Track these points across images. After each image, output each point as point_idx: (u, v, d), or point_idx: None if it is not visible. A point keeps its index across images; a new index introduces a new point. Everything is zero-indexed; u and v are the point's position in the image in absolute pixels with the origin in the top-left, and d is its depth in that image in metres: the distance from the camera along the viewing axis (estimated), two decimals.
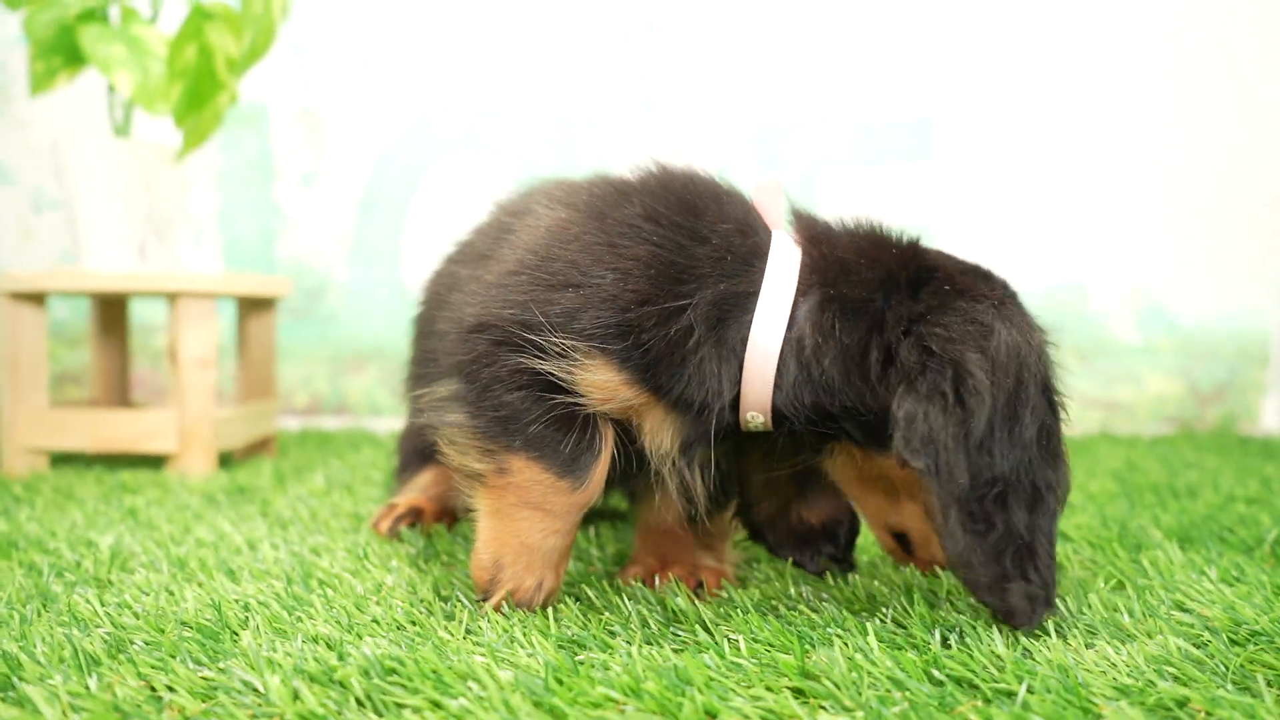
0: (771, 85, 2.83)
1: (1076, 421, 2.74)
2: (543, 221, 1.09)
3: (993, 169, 2.80)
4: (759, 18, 2.82)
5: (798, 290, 1.01)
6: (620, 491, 1.32)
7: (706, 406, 1.01)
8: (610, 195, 1.09)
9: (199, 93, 2.01)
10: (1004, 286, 1.07)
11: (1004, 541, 0.93)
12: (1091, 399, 2.79)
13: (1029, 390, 0.97)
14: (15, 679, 0.82)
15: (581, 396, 1.00)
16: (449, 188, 2.87)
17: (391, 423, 2.81)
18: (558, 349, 0.99)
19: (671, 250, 1.02)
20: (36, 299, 2.01)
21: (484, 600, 1.04)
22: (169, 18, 2.22)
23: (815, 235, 1.07)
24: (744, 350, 1.00)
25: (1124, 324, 2.79)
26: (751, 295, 1.01)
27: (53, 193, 2.88)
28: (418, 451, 1.57)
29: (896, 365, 0.98)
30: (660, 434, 1.04)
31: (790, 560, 1.21)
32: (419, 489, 1.52)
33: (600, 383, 1.00)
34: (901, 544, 1.14)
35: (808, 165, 2.82)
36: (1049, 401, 0.99)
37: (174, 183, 2.13)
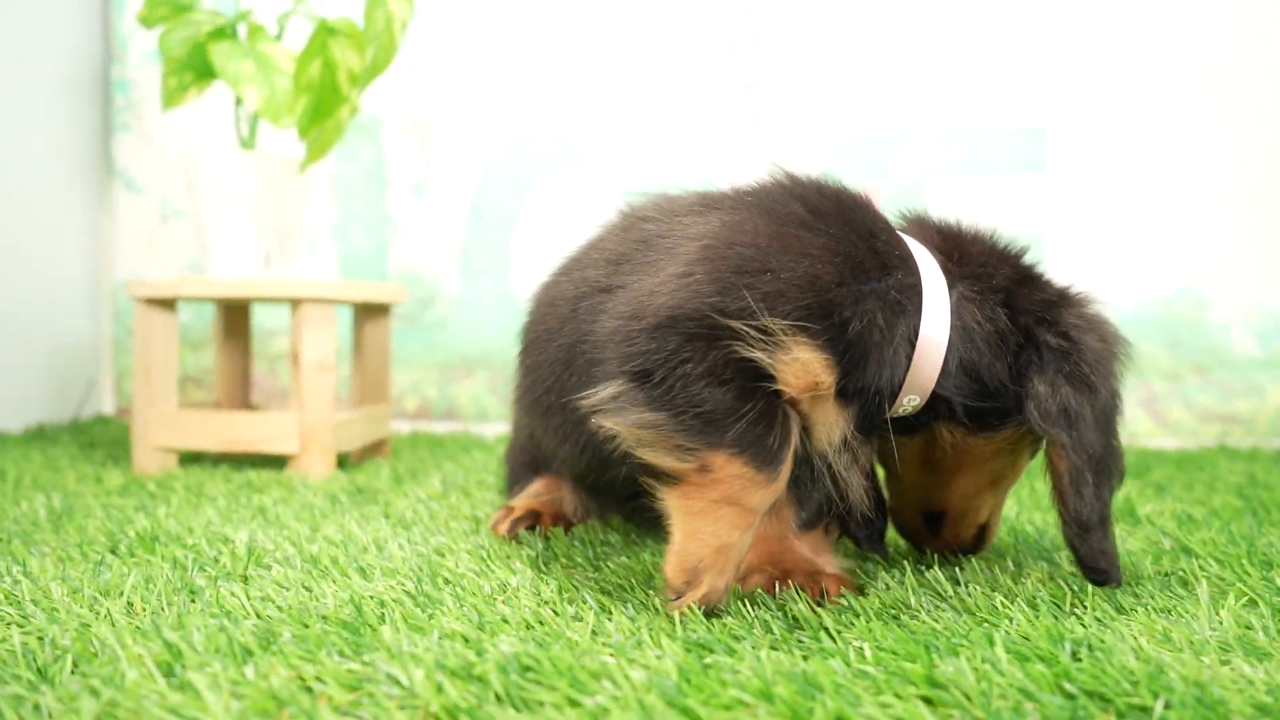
0: (880, 96, 2.82)
1: (1193, 434, 2.68)
2: (710, 221, 1.11)
3: (1108, 178, 2.75)
4: (866, 27, 2.82)
5: (948, 284, 1.11)
6: None
7: (880, 392, 1.07)
8: (769, 196, 1.14)
9: (322, 106, 2.08)
10: None
11: (1103, 509, 1.11)
12: (1210, 412, 2.72)
13: (1120, 384, 1.16)
14: (177, 666, 0.87)
15: (780, 384, 1.01)
16: (554, 201, 2.92)
17: (499, 428, 2.87)
18: (762, 333, 0.99)
19: (847, 243, 1.07)
20: (168, 305, 2.10)
21: (675, 599, 1.02)
22: (293, 34, 2.31)
23: (939, 234, 1.19)
24: (916, 338, 1.08)
25: (1244, 336, 2.71)
26: (915, 288, 1.09)
27: (177, 203, 3.00)
28: (526, 465, 1.60)
29: (1034, 346, 1.11)
30: (833, 425, 1.07)
31: (859, 540, 1.31)
32: (532, 495, 1.55)
33: (803, 366, 1.01)
34: (931, 525, 1.29)
35: (917, 176, 2.80)
36: (1118, 392, 1.16)
37: (295, 193, 2.20)
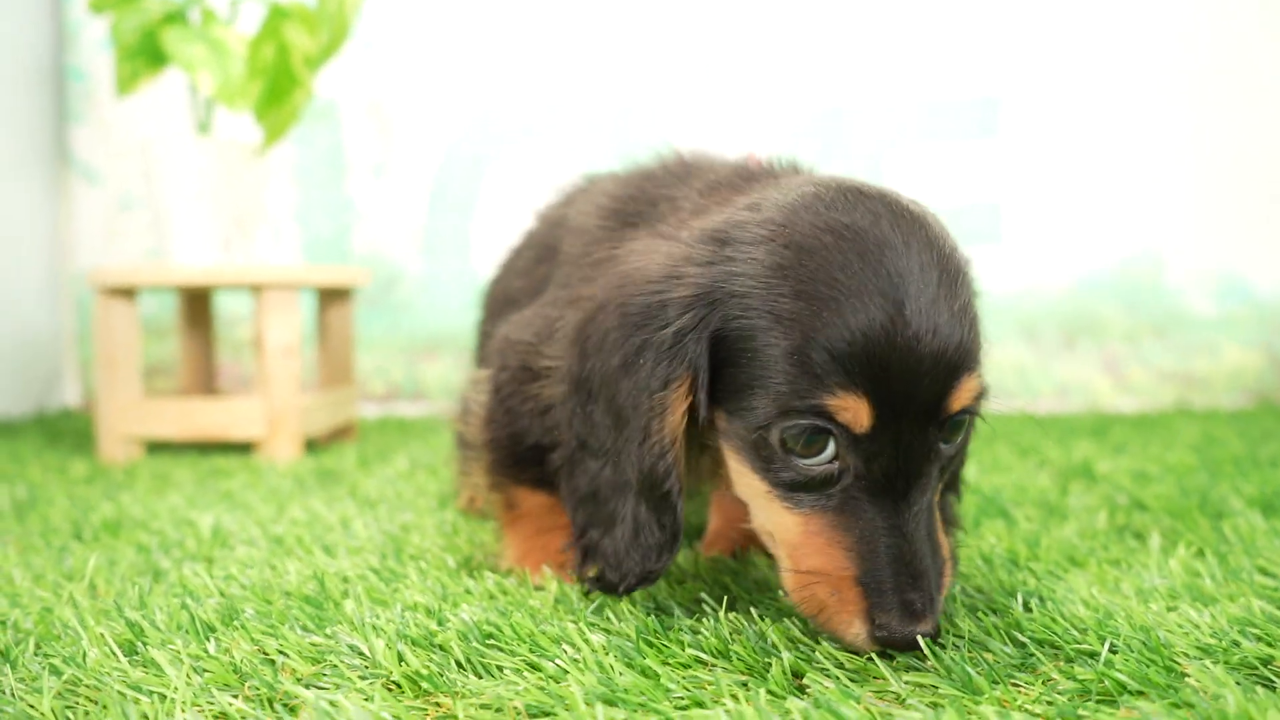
0: (835, 66, 2.83)
1: (1152, 395, 2.72)
2: (567, 250, 1.16)
3: (1061, 144, 2.77)
4: (821, 1, 2.83)
5: None
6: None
7: None
8: (598, 201, 1.15)
9: (277, 90, 2.07)
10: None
11: (585, 501, 0.95)
12: (1168, 373, 2.76)
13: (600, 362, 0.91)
14: (139, 644, 0.87)
15: None
16: (514, 178, 2.91)
17: None
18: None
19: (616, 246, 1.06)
20: (128, 293, 2.08)
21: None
22: (246, 18, 2.29)
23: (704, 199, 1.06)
24: None
25: (1200, 297, 2.75)
26: None
27: (138, 192, 2.98)
28: None
29: None
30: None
31: None
32: None
33: None
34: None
35: (874, 146, 2.81)
36: (635, 378, 0.88)
37: (254, 178, 2.19)
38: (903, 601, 0.79)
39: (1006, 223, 2.78)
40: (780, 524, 0.85)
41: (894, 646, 0.80)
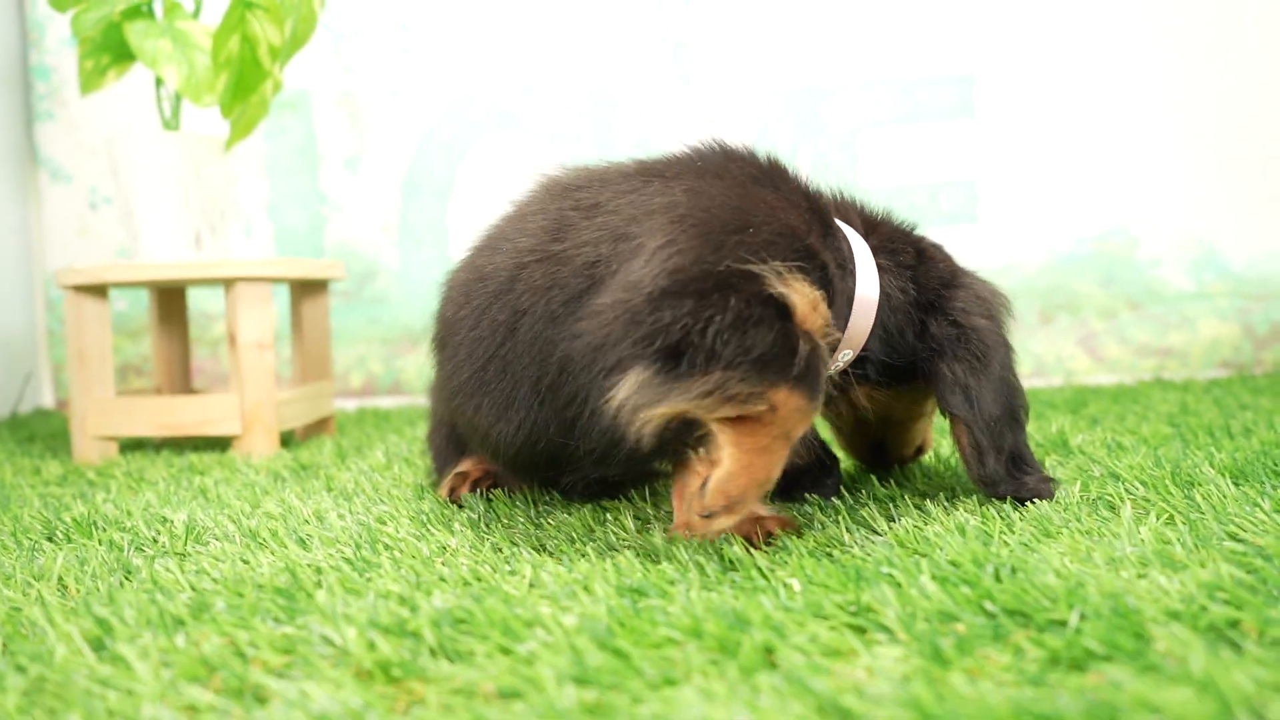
0: (809, 49, 2.82)
1: (1129, 370, 2.73)
2: (670, 189, 1.12)
3: (1037, 122, 2.78)
4: None
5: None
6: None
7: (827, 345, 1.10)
8: (708, 161, 1.20)
9: (244, 83, 2.05)
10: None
11: (1009, 457, 1.25)
12: (1144, 346, 2.77)
13: (1008, 340, 1.30)
14: (107, 640, 0.86)
15: (796, 321, 1.03)
16: (489, 167, 2.90)
17: None
18: (774, 273, 1.01)
19: (797, 202, 1.16)
20: (99, 291, 2.07)
21: (705, 518, 1.04)
22: (211, 10, 2.27)
23: (840, 208, 1.30)
24: (853, 297, 1.18)
25: (1175, 270, 2.76)
26: (849, 251, 1.20)
27: (106, 190, 2.95)
28: (451, 441, 1.53)
29: (930, 332, 1.26)
30: None
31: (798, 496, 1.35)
32: (471, 463, 1.52)
33: (813, 301, 1.04)
34: (876, 453, 1.47)
35: (850, 128, 2.81)
36: (1009, 345, 1.31)
37: (224, 173, 2.17)
38: None
39: (983, 201, 2.79)
40: None
41: None
